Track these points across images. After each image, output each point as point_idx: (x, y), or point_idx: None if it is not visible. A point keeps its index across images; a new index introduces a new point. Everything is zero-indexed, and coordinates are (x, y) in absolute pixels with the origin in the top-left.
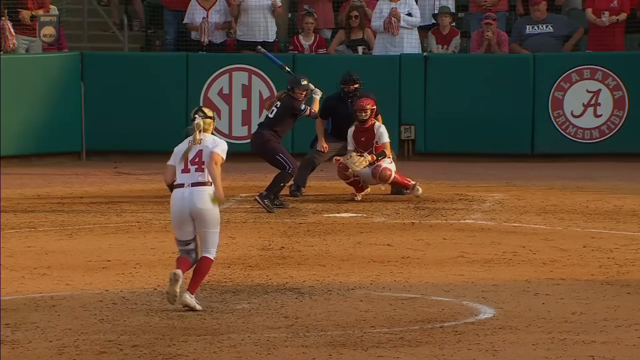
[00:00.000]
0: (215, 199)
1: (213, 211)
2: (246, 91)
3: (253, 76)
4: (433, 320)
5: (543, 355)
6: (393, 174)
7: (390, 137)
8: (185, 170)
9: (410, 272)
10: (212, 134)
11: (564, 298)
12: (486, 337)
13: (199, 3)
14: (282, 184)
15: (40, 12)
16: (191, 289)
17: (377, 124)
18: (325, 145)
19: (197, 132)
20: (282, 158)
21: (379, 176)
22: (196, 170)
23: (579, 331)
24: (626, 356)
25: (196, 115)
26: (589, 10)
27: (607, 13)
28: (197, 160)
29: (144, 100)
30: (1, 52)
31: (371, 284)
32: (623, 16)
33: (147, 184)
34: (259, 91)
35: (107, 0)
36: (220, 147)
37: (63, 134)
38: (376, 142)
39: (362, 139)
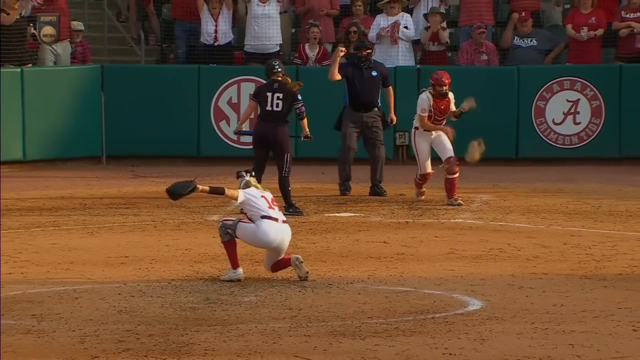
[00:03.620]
0: None
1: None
2: None
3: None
4: (425, 312)
5: (527, 343)
6: (457, 175)
7: (385, 142)
8: None
9: (405, 267)
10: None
11: (546, 291)
12: (474, 327)
13: (209, 11)
14: (290, 188)
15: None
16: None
17: (450, 93)
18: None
19: None
20: (288, 158)
21: (448, 166)
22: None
23: (559, 321)
24: (603, 344)
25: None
26: (569, 26)
27: (585, 28)
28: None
29: (159, 108)
30: (29, 65)
31: (368, 278)
32: (600, 31)
33: (163, 186)
34: None
35: (126, 16)
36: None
37: (85, 140)
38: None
39: (442, 107)
